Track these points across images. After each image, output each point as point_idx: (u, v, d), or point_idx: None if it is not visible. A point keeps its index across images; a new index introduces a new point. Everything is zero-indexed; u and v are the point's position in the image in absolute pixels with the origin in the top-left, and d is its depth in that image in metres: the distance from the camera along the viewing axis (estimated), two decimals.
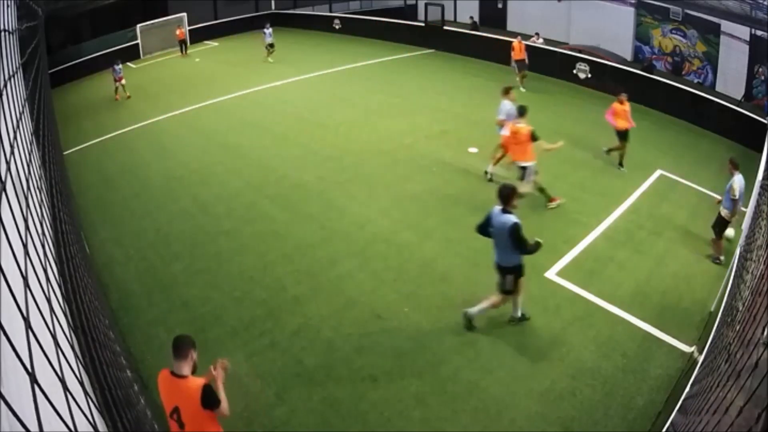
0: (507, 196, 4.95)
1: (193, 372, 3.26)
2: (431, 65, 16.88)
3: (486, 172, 8.71)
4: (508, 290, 5.18)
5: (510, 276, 5.10)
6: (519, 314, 5.50)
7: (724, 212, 6.59)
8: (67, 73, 17.38)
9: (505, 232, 4.89)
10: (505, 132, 7.76)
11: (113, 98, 14.69)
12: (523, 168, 7.50)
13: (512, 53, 13.90)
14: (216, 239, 7.38)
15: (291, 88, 14.83)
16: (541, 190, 7.71)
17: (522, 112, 7.56)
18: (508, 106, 8.24)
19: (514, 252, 4.99)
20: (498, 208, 5.02)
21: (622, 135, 8.99)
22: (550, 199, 7.77)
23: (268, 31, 17.59)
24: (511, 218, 4.87)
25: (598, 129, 10.76)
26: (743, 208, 6.48)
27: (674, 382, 4.76)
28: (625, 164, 9.14)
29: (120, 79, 14.47)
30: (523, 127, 7.40)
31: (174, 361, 3.19)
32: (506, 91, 8.49)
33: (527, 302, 5.53)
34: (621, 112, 8.88)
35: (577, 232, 7.19)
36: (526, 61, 13.84)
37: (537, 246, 5.03)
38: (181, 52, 20.20)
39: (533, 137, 7.32)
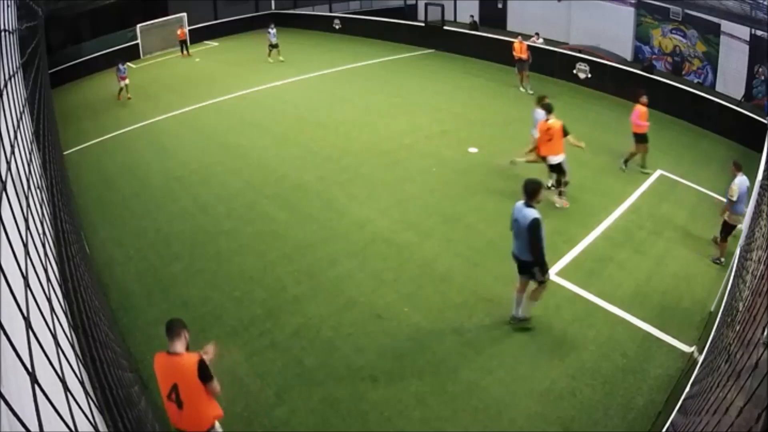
0: (532, 191, 5.00)
1: (186, 350, 3.45)
2: (431, 65, 16.88)
3: (512, 162, 8.71)
4: (542, 280, 5.22)
5: (536, 268, 5.13)
6: (520, 314, 5.50)
7: (726, 214, 6.59)
8: (67, 73, 17.37)
9: (525, 227, 4.93)
10: (535, 133, 7.95)
11: (115, 98, 14.67)
12: (559, 164, 7.70)
13: (513, 53, 13.85)
14: (216, 239, 7.38)
15: (291, 88, 14.83)
16: (559, 183, 7.94)
17: (550, 108, 7.72)
18: (541, 114, 8.19)
19: (534, 246, 5.00)
20: (521, 202, 5.07)
21: (644, 137, 8.86)
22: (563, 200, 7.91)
23: (273, 31, 17.48)
24: (533, 213, 4.91)
25: (599, 129, 10.79)
26: (744, 208, 6.47)
27: (674, 382, 4.76)
28: (629, 165, 9.09)
29: (124, 78, 14.43)
30: (555, 122, 7.58)
31: (168, 341, 3.41)
32: (540, 100, 8.41)
33: (528, 302, 5.52)
34: (644, 114, 8.79)
35: (577, 232, 7.19)
36: (529, 60, 13.66)
37: (545, 270, 5.11)
38: (182, 52, 20.18)
39: (565, 132, 7.56)
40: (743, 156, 9.83)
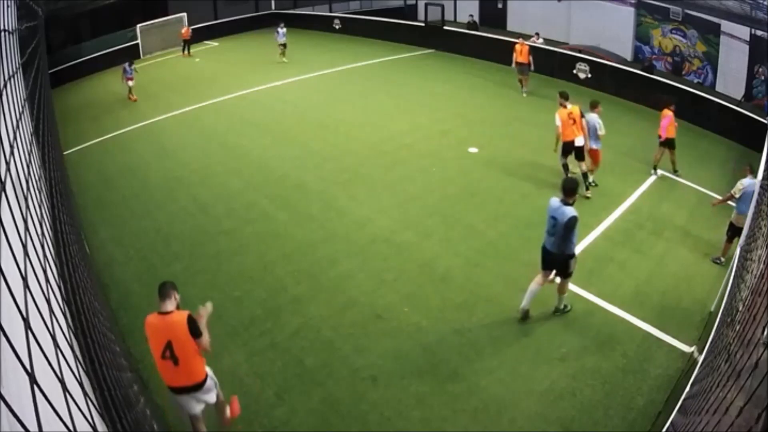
0: (571, 189, 5.16)
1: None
2: (431, 65, 16.88)
3: (589, 183, 8.47)
4: (570, 272, 5.36)
5: (572, 260, 5.30)
6: (528, 307, 5.51)
7: (732, 214, 6.58)
8: (67, 73, 17.35)
9: (563, 224, 5.03)
10: (593, 144, 8.28)
11: (118, 98, 14.58)
12: (581, 147, 8.15)
13: (514, 55, 13.74)
14: (216, 239, 7.38)
15: (291, 88, 14.83)
16: (566, 167, 8.39)
17: (566, 96, 8.29)
18: (594, 119, 8.21)
19: (568, 241, 5.14)
20: (556, 200, 5.19)
21: (673, 143, 8.86)
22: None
23: (282, 31, 17.39)
24: (572, 210, 5.06)
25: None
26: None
27: (674, 382, 4.77)
28: (679, 172, 9.06)
29: (130, 79, 14.31)
30: (574, 107, 8.16)
31: (160, 302, 3.65)
32: (593, 106, 8.39)
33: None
34: (673, 121, 8.77)
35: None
36: (530, 66, 13.40)
37: (572, 262, 5.31)
38: (183, 51, 20.15)
39: (582, 114, 8.16)
40: (743, 156, 9.85)
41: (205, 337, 3.69)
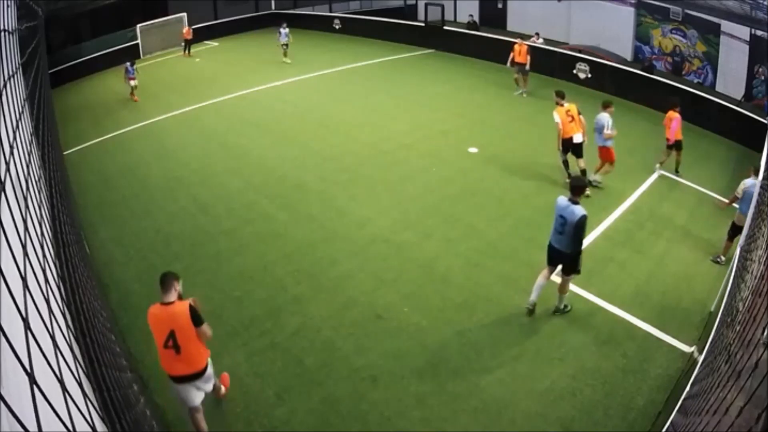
0: (580, 188, 5.28)
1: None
2: (431, 65, 16.88)
3: (595, 182, 8.58)
4: (579, 270, 5.43)
5: (580, 257, 5.36)
6: (536, 300, 5.54)
7: (735, 214, 6.58)
8: (67, 73, 17.35)
9: (573, 223, 5.07)
10: (598, 141, 8.33)
11: (119, 99, 14.56)
12: (580, 144, 8.26)
13: (511, 54, 13.71)
14: (216, 239, 7.38)
15: (291, 88, 14.83)
16: (566, 164, 8.56)
17: (563, 94, 8.43)
18: (605, 118, 8.17)
19: (578, 239, 5.19)
20: (564, 199, 5.23)
21: (681, 144, 8.87)
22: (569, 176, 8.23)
23: (285, 31, 17.41)
24: (581, 210, 5.09)
25: None
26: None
27: (674, 382, 4.77)
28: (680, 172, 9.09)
29: (132, 79, 14.25)
30: (571, 105, 8.29)
31: (162, 294, 3.76)
32: (606, 105, 8.34)
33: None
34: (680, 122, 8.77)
35: None
36: (527, 66, 13.28)
37: (579, 259, 5.37)
38: (184, 51, 20.13)
39: (579, 111, 8.33)
40: (743, 156, 9.86)
41: (206, 324, 3.79)
